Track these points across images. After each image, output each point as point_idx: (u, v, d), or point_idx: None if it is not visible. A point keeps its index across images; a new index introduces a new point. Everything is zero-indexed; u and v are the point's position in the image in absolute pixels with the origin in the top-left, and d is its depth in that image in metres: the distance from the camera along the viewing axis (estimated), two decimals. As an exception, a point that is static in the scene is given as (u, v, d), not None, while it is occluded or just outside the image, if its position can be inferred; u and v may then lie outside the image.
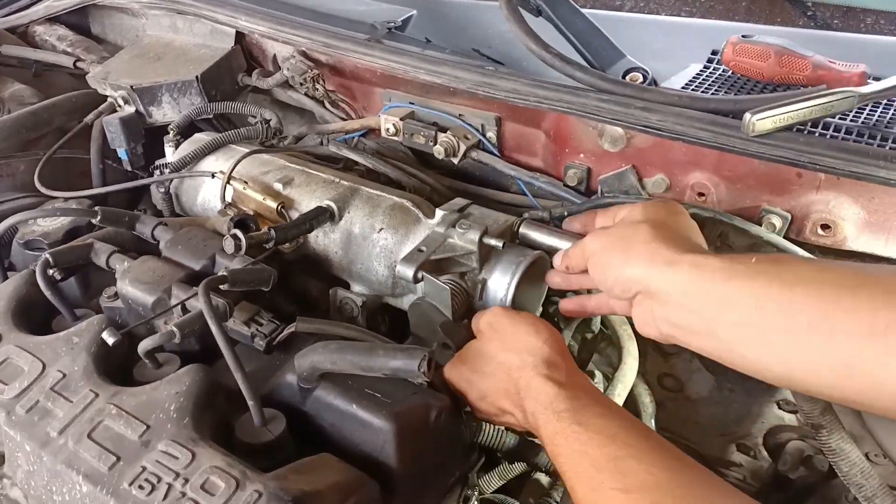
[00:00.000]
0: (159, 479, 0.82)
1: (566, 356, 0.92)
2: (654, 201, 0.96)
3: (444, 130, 1.30)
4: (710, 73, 1.15)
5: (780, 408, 1.45)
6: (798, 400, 1.30)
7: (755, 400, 1.47)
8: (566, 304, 1.10)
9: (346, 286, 1.21)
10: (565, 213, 1.15)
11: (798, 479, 1.50)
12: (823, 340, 0.69)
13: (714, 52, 1.16)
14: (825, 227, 1.03)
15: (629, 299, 0.89)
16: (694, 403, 1.55)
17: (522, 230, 1.09)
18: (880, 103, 1.05)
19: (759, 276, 0.74)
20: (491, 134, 1.29)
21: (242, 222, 1.17)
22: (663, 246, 0.84)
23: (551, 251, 1.06)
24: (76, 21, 1.80)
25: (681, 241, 0.85)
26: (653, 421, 1.36)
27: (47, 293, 1.06)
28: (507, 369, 0.92)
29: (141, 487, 0.82)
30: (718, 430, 1.54)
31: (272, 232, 1.10)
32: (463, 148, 1.28)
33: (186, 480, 0.81)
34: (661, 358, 1.51)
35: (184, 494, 0.80)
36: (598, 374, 1.29)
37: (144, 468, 0.83)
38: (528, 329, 0.94)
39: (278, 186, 1.26)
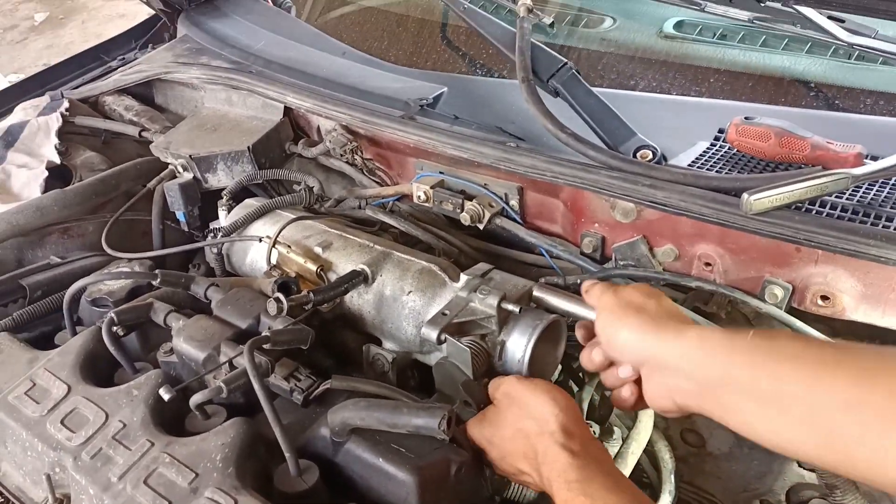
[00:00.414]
0: (206, 524, 0.92)
1: (581, 424, 0.98)
2: (640, 285, 1.02)
3: (470, 199, 1.40)
4: (716, 150, 1.22)
5: (800, 465, 1.48)
6: (812, 460, 1.34)
7: (776, 457, 1.50)
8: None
9: (379, 343, 1.31)
10: (578, 281, 1.23)
11: (819, 534, 1.52)
12: (806, 413, 0.75)
13: (720, 131, 1.23)
14: (825, 297, 1.09)
15: (635, 368, 0.95)
16: (716, 459, 1.59)
17: (536, 293, 1.17)
18: (875, 183, 1.11)
19: (755, 350, 0.81)
20: (514, 202, 1.39)
21: (285, 285, 1.28)
22: (667, 318, 0.91)
23: (566, 315, 1.14)
24: (142, 92, 1.95)
25: (681, 316, 0.93)
26: (672, 477, 1.40)
27: (111, 349, 1.18)
28: (525, 435, 0.98)
29: (190, 530, 0.92)
30: (741, 486, 1.57)
31: (311, 295, 1.21)
32: (487, 215, 1.38)
33: (229, 525, 0.91)
34: (684, 418, 1.56)
35: (226, 538, 0.90)
36: (617, 431, 1.35)
37: (193, 513, 0.94)
38: (545, 397, 0.99)
39: (318, 250, 1.37)
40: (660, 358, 0.89)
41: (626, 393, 0.99)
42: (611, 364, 1.01)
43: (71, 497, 1.04)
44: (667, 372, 0.89)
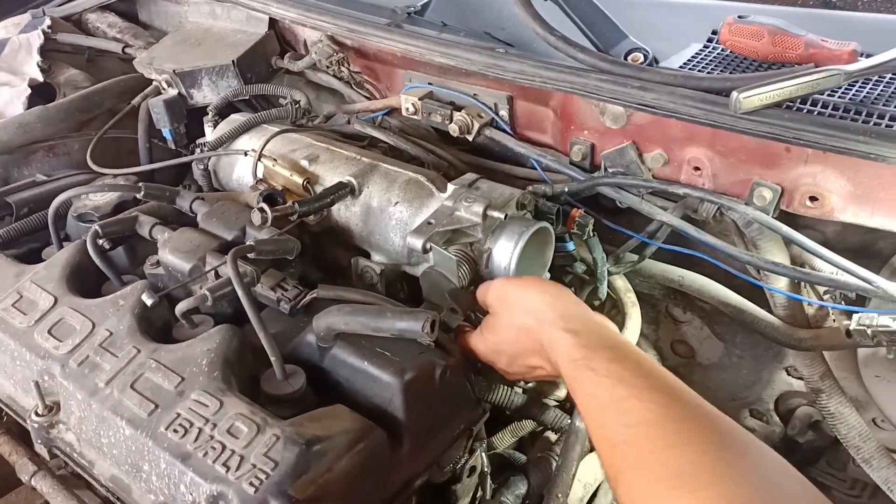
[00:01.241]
0: (191, 424, 0.93)
1: (577, 304, 1.02)
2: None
3: (459, 109, 1.37)
4: (709, 52, 1.19)
5: (788, 374, 1.49)
6: (798, 365, 1.35)
7: (764, 366, 1.51)
8: None
9: (368, 256, 1.31)
10: (565, 189, 1.22)
11: (806, 443, 1.55)
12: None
13: (714, 32, 1.20)
14: (813, 198, 1.07)
15: None
16: (705, 369, 1.60)
17: None
18: (869, 80, 1.08)
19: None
20: (503, 112, 1.36)
21: (270, 197, 1.27)
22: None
23: None
24: (125, 9, 1.92)
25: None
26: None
27: (97, 261, 1.18)
28: (527, 331, 1.00)
29: (175, 431, 0.93)
30: (730, 395, 1.59)
31: (296, 205, 1.20)
32: (476, 126, 1.36)
33: (215, 425, 0.92)
34: (672, 325, 1.57)
35: (212, 437, 0.91)
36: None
37: (179, 414, 0.94)
38: (535, 291, 1.02)
39: (304, 163, 1.35)
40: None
41: None
42: None
43: (60, 403, 1.06)
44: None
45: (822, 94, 1.05)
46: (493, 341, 1.06)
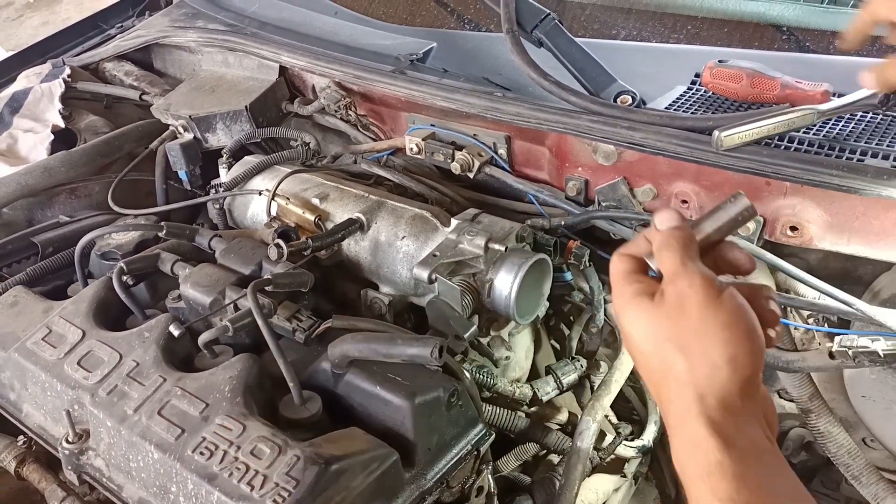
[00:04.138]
0: (216, 447, 0.99)
1: (756, 388, 0.67)
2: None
3: (460, 149, 1.46)
4: (692, 94, 1.28)
5: (780, 396, 1.55)
6: (788, 387, 1.41)
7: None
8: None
9: (376, 288, 1.38)
10: (562, 222, 1.30)
11: (800, 463, 1.60)
12: None
13: (697, 75, 1.29)
14: (793, 228, 1.15)
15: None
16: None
17: None
18: (842, 118, 1.16)
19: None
20: (502, 151, 1.45)
21: (285, 233, 1.35)
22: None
23: None
24: (141, 58, 2.00)
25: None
26: (658, 408, 1.48)
27: (122, 296, 1.25)
28: (665, 371, 0.68)
29: (202, 454, 0.99)
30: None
31: (309, 241, 1.27)
32: (477, 164, 1.44)
33: (238, 447, 0.98)
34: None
35: (236, 458, 0.97)
36: (604, 365, 1.43)
37: (204, 438, 1.00)
38: (723, 329, 0.66)
39: (315, 201, 1.43)
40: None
41: None
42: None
43: (90, 431, 1.11)
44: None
45: (798, 131, 1.13)
46: (658, 334, 0.69)
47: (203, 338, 1.13)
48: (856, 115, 1.16)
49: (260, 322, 1.07)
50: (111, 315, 1.27)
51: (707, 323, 0.66)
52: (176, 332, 1.10)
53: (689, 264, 0.69)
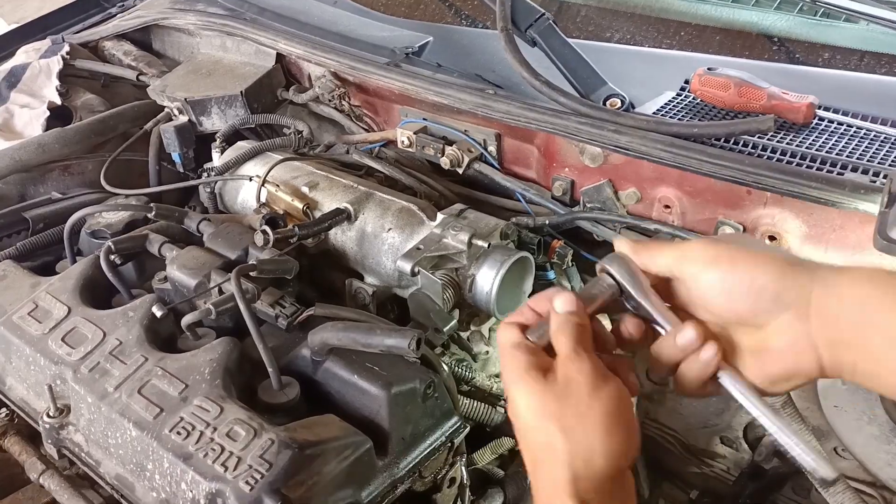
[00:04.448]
0: (194, 427, 1.01)
1: (625, 474, 0.72)
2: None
3: (450, 144, 1.47)
4: (681, 100, 1.29)
5: (755, 403, 1.57)
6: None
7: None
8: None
9: (361, 278, 1.39)
10: (547, 222, 1.32)
11: (771, 469, 1.62)
12: None
13: (686, 82, 1.31)
14: (772, 237, 1.17)
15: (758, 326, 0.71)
16: (678, 396, 1.68)
17: None
18: (826, 131, 1.18)
19: None
20: (492, 148, 1.46)
21: (272, 220, 1.36)
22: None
23: None
24: (140, 38, 2.01)
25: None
26: (637, 414, 1.50)
27: (109, 275, 1.26)
28: (544, 446, 0.71)
29: (179, 433, 1.01)
30: (701, 422, 1.67)
31: (295, 229, 1.29)
32: (466, 160, 1.45)
33: (215, 429, 1.00)
34: (647, 352, 1.64)
35: (212, 439, 0.99)
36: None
37: (182, 418, 1.02)
38: (605, 417, 0.69)
39: (305, 190, 1.44)
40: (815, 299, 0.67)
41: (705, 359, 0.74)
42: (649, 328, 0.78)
43: (70, 406, 1.13)
44: (819, 318, 0.67)
45: (782, 142, 1.15)
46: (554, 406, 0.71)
47: (186, 319, 1.14)
48: (840, 128, 1.18)
49: (242, 307, 1.09)
50: (98, 293, 1.28)
51: (592, 409, 0.69)
52: (158, 313, 1.12)
53: (580, 351, 0.71)
